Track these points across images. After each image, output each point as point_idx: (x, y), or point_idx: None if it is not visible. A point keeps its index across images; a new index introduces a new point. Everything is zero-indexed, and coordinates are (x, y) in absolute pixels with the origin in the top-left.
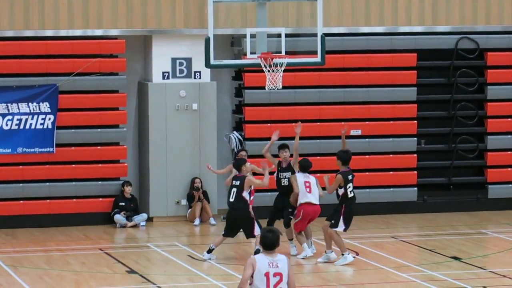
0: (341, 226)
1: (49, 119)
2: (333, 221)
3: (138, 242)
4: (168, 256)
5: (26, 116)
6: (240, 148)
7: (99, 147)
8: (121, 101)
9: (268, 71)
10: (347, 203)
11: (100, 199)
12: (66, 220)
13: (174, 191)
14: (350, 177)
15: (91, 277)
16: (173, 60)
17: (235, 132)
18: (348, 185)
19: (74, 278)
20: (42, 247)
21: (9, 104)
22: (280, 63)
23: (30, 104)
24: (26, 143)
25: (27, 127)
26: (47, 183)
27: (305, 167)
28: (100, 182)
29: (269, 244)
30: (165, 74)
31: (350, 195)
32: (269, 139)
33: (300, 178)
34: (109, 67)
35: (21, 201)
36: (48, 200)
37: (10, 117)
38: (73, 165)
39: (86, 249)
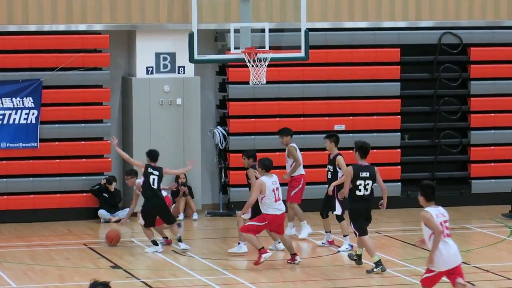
0: None
1: (33, 114)
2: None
3: (122, 237)
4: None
5: (10, 111)
6: (224, 143)
7: (83, 142)
8: (105, 96)
9: (252, 66)
10: None
11: (84, 194)
12: (50, 215)
13: None
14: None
15: (75, 272)
16: (157, 55)
17: (219, 127)
18: None
19: (58, 273)
20: (26, 242)
21: None
22: (264, 58)
23: (13, 99)
24: (9, 138)
25: (11, 122)
26: (31, 178)
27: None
28: (84, 177)
29: (268, 166)
30: (149, 69)
31: None
32: (253, 134)
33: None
34: (93, 62)
35: (5, 196)
36: (32, 195)
37: None
38: (57, 160)
39: (70, 244)
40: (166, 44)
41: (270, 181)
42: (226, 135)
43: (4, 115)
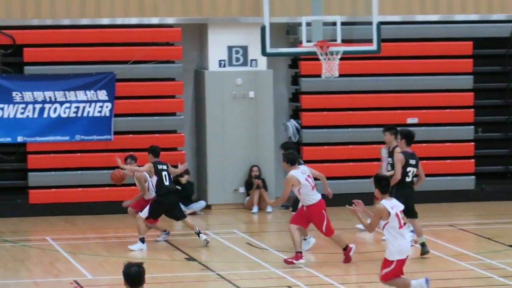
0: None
1: (107, 106)
2: None
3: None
4: (227, 243)
5: (84, 104)
6: (297, 136)
7: (156, 135)
8: (178, 89)
9: (324, 59)
10: None
11: None
12: (124, 207)
13: (231, 179)
14: None
15: (151, 265)
16: (229, 48)
17: (292, 120)
18: None
19: None
20: (101, 234)
21: (66, 92)
22: (336, 51)
23: (87, 92)
24: (84, 130)
25: (85, 114)
26: (105, 171)
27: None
28: None
29: (293, 160)
30: (221, 62)
31: None
32: (326, 127)
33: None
34: (165, 55)
35: (80, 188)
36: (106, 188)
37: (68, 104)
38: (131, 153)
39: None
40: (238, 37)
41: (299, 172)
42: (299, 128)
43: (78, 107)
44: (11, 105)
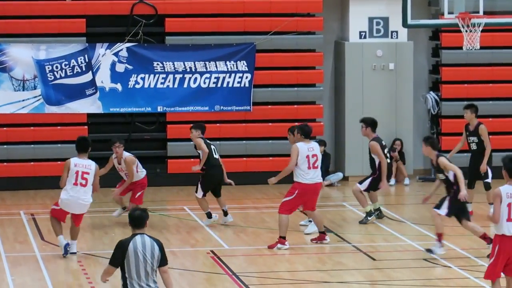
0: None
1: (246, 77)
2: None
3: (333, 201)
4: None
5: (224, 75)
6: (436, 108)
7: (295, 106)
8: (318, 60)
9: (466, 31)
10: None
11: None
12: (262, 178)
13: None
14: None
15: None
16: (370, 20)
17: (431, 92)
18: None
19: (270, 235)
20: (238, 204)
21: (207, 63)
22: (478, 23)
23: (227, 62)
24: (223, 101)
25: (225, 85)
26: (244, 141)
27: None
28: None
29: (309, 132)
30: (362, 33)
31: None
32: (466, 99)
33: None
34: (306, 26)
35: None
36: (244, 158)
37: (208, 75)
38: (269, 124)
39: None
40: (379, 9)
41: (306, 147)
42: (438, 100)
43: (218, 78)
44: (152, 75)
